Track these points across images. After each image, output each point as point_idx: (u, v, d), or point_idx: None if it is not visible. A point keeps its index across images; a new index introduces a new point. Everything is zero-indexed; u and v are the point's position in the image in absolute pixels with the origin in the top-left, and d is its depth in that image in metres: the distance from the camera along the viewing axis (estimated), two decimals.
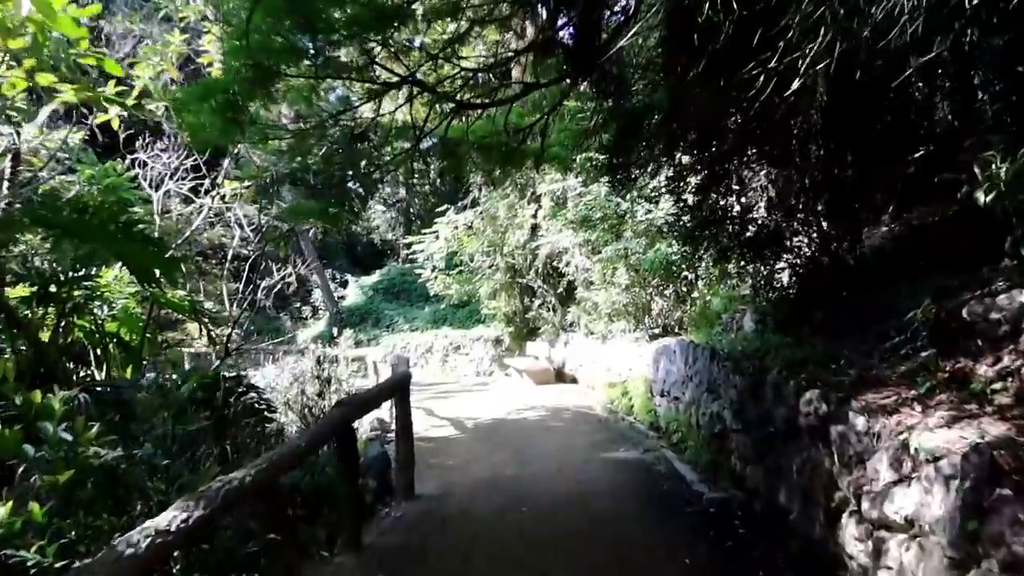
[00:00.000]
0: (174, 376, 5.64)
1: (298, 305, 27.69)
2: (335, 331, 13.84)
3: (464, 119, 5.64)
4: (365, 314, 24.72)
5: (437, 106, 5.44)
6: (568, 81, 5.64)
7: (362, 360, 12.69)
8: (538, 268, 15.42)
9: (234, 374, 7.57)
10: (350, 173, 5.91)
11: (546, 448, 8.37)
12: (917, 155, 6.32)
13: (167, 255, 6.81)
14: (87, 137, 9.93)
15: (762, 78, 6.52)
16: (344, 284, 27.94)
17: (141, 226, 6.58)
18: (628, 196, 11.16)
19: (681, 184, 8.16)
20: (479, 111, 5.66)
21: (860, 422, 3.95)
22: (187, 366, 9.34)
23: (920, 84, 6.36)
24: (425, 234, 18.05)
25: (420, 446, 8.59)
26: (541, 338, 16.69)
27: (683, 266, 11.31)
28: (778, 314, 8.13)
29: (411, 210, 31.28)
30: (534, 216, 14.94)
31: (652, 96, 7.30)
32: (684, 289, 11.57)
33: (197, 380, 5.60)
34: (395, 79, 4.90)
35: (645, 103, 7.23)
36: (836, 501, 4.15)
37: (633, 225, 11.46)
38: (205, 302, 9.01)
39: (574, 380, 14.86)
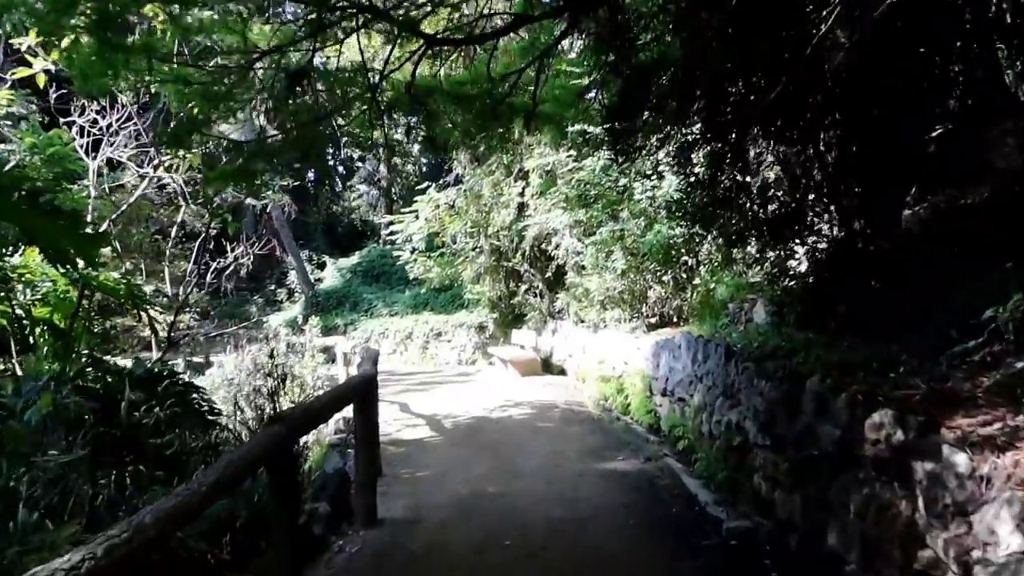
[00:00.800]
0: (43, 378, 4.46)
1: (273, 288, 26.48)
2: (300, 318, 12.66)
3: (437, 61, 4.54)
4: (343, 298, 23.55)
5: (401, 43, 4.33)
6: (568, 17, 4.53)
7: (332, 350, 11.57)
8: (525, 251, 14.34)
9: (167, 370, 6.50)
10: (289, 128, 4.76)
11: (534, 455, 7.35)
12: (935, 133, 5.40)
13: (84, 230, 5.69)
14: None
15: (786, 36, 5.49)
16: (322, 266, 26.74)
17: (49, 196, 5.46)
18: (628, 172, 10.11)
19: (691, 156, 7.12)
20: (455, 49, 4.55)
21: (961, 460, 2.93)
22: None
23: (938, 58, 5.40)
24: (404, 213, 16.90)
25: (390, 452, 7.55)
26: (527, 325, 15.65)
27: (683, 250, 10.31)
28: (796, 306, 7.16)
29: (393, 189, 30.05)
30: (521, 194, 13.83)
31: (663, 51, 6.24)
32: (684, 276, 10.55)
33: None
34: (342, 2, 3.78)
35: (654, 58, 6.16)
36: (922, 563, 3.13)
37: (631, 205, 10.40)
38: (145, 285, 7.87)
39: (562, 371, 13.86)
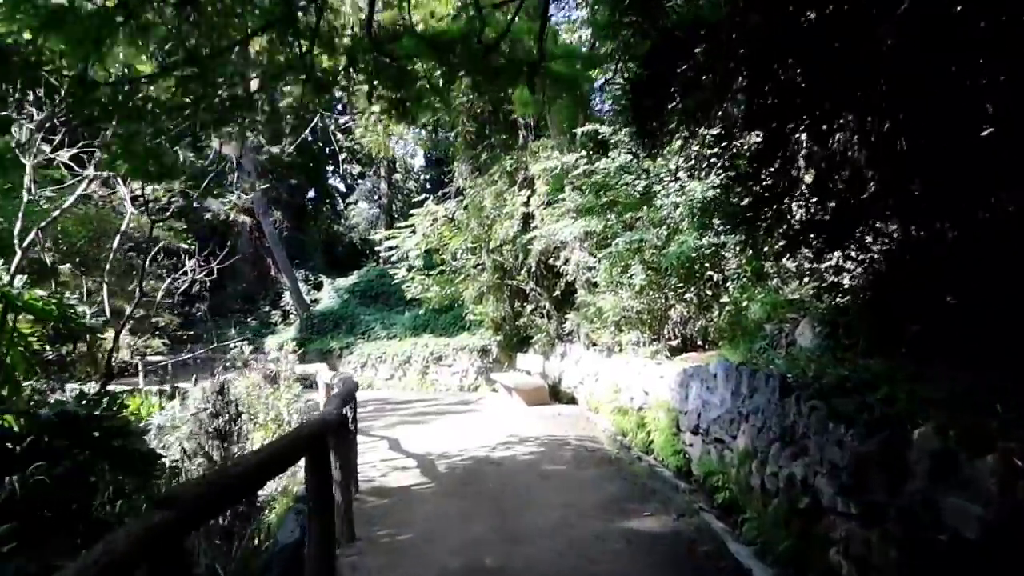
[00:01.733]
0: None
1: (267, 309, 25.30)
2: (284, 345, 11.32)
3: None
4: (339, 319, 22.32)
5: None
6: None
7: (312, 378, 10.31)
8: (530, 267, 13.14)
9: (96, 408, 5.27)
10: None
11: (543, 510, 6.07)
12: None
13: None
14: None
15: None
16: (318, 286, 25.55)
17: None
18: (650, 171, 8.92)
19: (732, 144, 5.91)
20: None
21: None
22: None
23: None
24: (400, 228, 15.71)
25: (370, 505, 6.30)
26: (534, 349, 14.39)
27: (706, 264, 9.09)
28: (856, 326, 5.96)
29: (393, 206, 28.94)
30: (526, 204, 12.63)
31: (697, 12, 5.07)
32: (708, 293, 9.32)
33: None
34: None
35: (687, 21, 4.98)
36: None
37: (651, 213, 9.18)
38: (80, 306, 6.66)
39: (572, 400, 12.58)
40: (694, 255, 8.57)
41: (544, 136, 12.66)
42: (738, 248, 8.71)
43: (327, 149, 29.69)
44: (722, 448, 6.20)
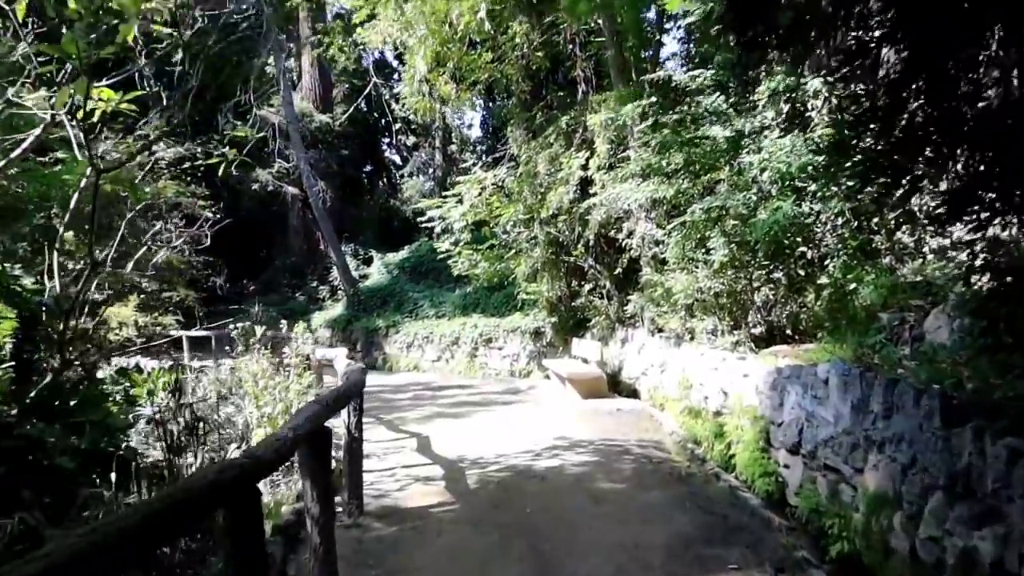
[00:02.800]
0: None
1: (315, 284, 24.34)
2: (308, 326, 10.01)
3: None
4: (387, 296, 21.17)
5: None
6: None
7: (333, 364, 9.04)
8: (588, 241, 11.57)
9: None
10: None
11: (593, 554, 4.61)
12: None
13: None
14: None
15: None
16: (368, 261, 24.46)
17: None
18: (741, 110, 7.28)
19: (865, 64, 4.24)
20: None
21: None
22: None
23: None
24: (446, 197, 14.30)
25: (373, 534, 4.98)
26: (591, 333, 12.87)
27: (797, 238, 7.43)
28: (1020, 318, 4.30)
29: (448, 179, 27.60)
30: (584, 167, 11.02)
31: None
32: (800, 272, 7.65)
33: None
34: None
35: None
36: None
37: (733, 176, 7.53)
38: (25, 277, 5.46)
39: (633, 393, 11.04)
40: (791, 225, 6.91)
41: (606, 90, 11.03)
42: (848, 215, 7.05)
43: (383, 120, 28.45)
44: (837, 481, 4.61)
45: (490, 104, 26.46)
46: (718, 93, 7.98)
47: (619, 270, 11.34)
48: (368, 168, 31.83)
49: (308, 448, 3.85)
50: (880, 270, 6.81)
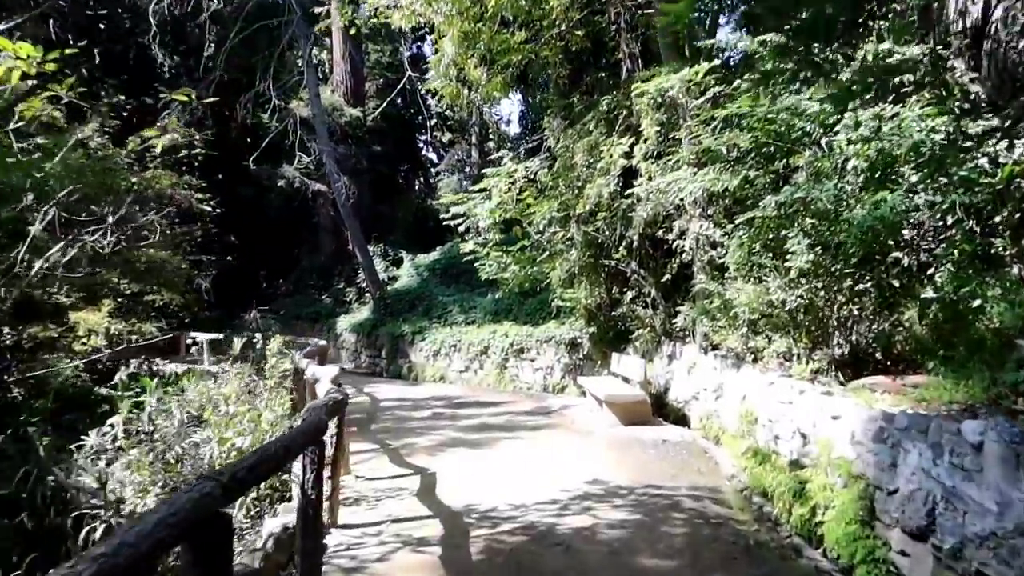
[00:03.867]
0: None
1: (341, 286, 23.20)
2: (273, 340, 8.48)
3: None
4: (415, 300, 19.89)
5: None
6: None
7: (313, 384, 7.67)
8: (632, 242, 10.05)
9: None
10: None
11: None
12: None
13: None
14: None
15: None
16: (398, 262, 23.23)
17: None
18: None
19: None
20: None
21: None
22: None
23: None
24: (472, 192, 12.90)
25: None
26: (633, 347, 11.36)
27: (889, 241, 5.89)
28: None
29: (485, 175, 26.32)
30: (628, 155, 9.50)
31: None
32: (894, 282, 6.08)
33: None
34: None
35: None
36: None
37: (812, 160, 5.98)
38: None
39: (681, 419, 9.51)
40: (893, 223, 5.35)
41: (654, 65, 9.50)
42: (959, 212, 5.46)
43: (418, 117, 27.20)
44: None
45: (529, 99, 25.06)
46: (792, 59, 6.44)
47: (667, 276, 9.81)
48: (403, 166, 30.70)
49: (191, 551, 2.48)
50: (1010, 283, 5.26)
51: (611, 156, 9.63)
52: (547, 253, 11.78)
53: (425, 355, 17.17)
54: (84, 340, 8.10)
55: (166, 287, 9.90)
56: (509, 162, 11.57)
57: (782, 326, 6.66)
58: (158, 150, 10.05)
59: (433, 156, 32.22)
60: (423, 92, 26.32)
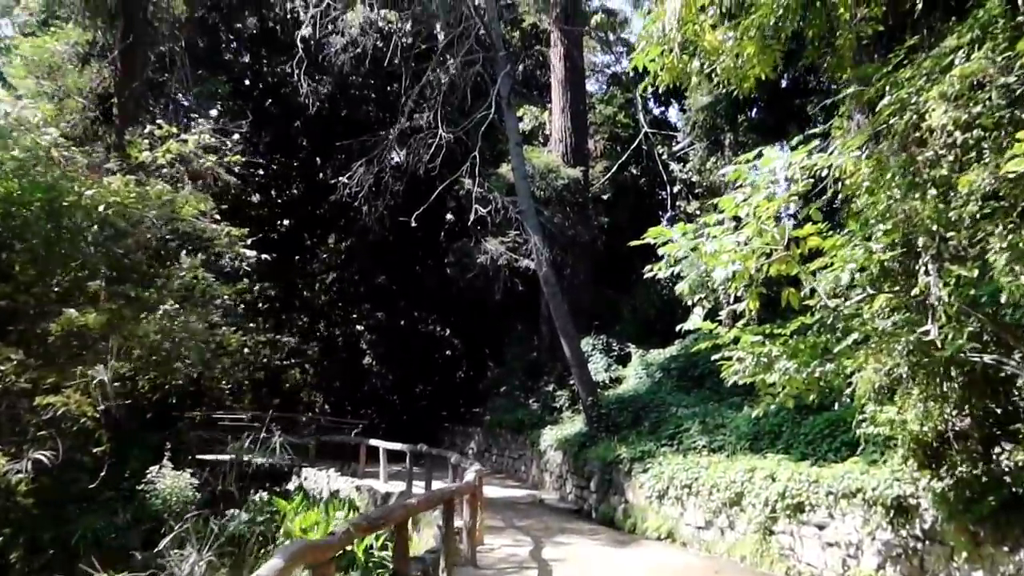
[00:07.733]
0: None
1: (551, 388, 18.44)
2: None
3: None
4: (641, 410, 14.41)
5: None
6: None
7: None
8: None
9: None
10: None
11: None
12: None
13: None
14: None
15: None
16: (624, 360, 18.03)
17: None
18: None
19: None
20: None
21: None
22: None
23: None
24: (697, 216, 7.43)
25: None
26: None
27: None
28: None
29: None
30: None
31: None
32: None
33: None
34: None
35: None
36: None
37: None
38: None
39: None
40: None
41: None
42: None
43: (656, 179, 22.41)
44: None
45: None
46: None
47: None
48: (634, 242, 25.86)
49: None
50: None
51: None
52: (851, 336, 6.04)
53: (647, 495, 11.61)
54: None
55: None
56: (773, 151, 5.80)
57: None
58: None
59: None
60: (665, 156, 21.67)
